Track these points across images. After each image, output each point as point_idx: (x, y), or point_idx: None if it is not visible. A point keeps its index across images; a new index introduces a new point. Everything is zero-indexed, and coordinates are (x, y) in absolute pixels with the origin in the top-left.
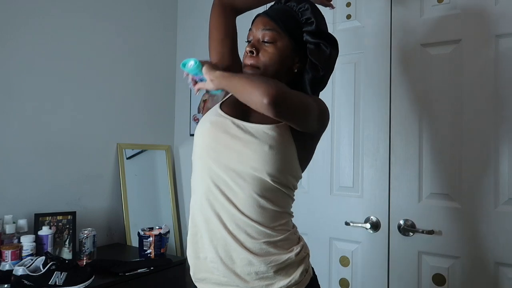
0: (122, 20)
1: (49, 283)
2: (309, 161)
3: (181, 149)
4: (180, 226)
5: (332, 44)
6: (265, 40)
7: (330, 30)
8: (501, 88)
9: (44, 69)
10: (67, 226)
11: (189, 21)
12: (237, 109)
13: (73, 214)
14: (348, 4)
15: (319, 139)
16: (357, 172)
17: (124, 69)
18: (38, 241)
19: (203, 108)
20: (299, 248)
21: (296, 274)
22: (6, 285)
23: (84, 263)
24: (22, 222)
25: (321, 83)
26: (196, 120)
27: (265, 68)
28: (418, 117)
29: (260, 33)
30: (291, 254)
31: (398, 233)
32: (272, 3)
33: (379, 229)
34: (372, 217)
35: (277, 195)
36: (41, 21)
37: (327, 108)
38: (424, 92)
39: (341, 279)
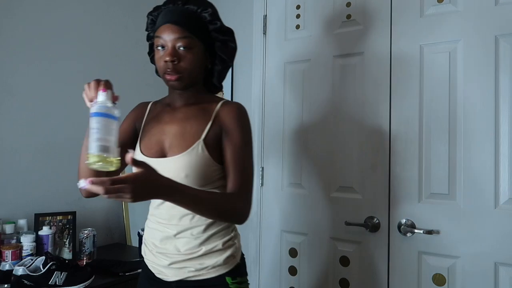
0: (123, 19)
1: (49, 283)
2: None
3: None
4: None
5: (234, 39)
6: (182, 47)
7: (330, 30)
8: (501, 88)
9: (44, 69)
10: (67, 226)
11: None
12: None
13: (73, 214)
14: (348, 4)
15: None
16: (357, 172)
17: (125, 69)
18: (38, 241)
19: None
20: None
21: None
22: (6, 285)
23: (84, 263)
24: (22, 222)
25: (227, 71)
26: None
27: (188, 73)
28: (418, 117)
29: (173, 42)
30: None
31: (398, 233)
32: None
33: (379, 229)
34: (372, 217)
35: None
36: (41, 21)
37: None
38: (424, 92)
39: (341, 279)
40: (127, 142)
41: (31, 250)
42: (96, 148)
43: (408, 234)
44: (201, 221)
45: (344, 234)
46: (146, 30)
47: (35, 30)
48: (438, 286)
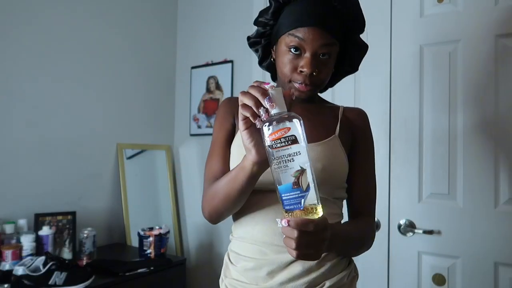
0: (122, 20)
1: (49, 283)
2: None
3: (181, 149)
4: (180, 226)
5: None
6: (323, 54)
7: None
8: (501, 88)
9: (44, 69)
10: (67, 226)
11: (189, 21)
12: None
13: (73, 214)
14: None
15: None
16: None
17: (124, 69)
18: (38, 241)
19: (203, 108)
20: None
21: None
22: (6, 285)
23: (84, 263)
24: (22, 222)
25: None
26: (196, 120)
27: (322, 85)
28: (418, 117)
29: (317, 48)
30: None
31: (398, 233)
32: None
33: (379, 229)
34: None
35: None
36: (40, 22)
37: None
38: (424, 92)
39: None
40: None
41: (31, 250)
42: (316, 194)
43: (408, 234)
44: None
45: None
46: (263, 14)
47: (36, 31)
48: (438, 286)
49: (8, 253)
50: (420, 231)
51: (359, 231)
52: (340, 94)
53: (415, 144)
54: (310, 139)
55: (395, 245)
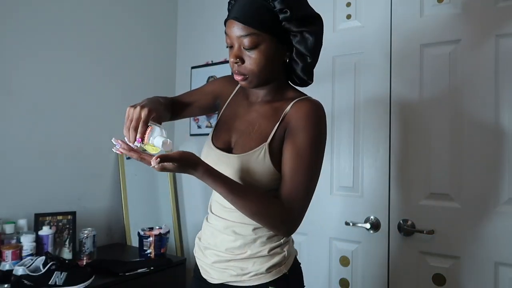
0: (122, 20)
1: (49, 283)
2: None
3: (181, 149)
4: (180, 226)
5: (315, 27)
6: (246, 47)
7: (330, 31)
8: (501, 88)
9: (44, 69)
10: (67, 226)
11: (189, 21)
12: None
13: (73, 214)
14: (348, 4)
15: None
16: (357, 172)
17: (124, 69)
18: (38, 241)
19: None
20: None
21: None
22: (6, 285)
23: (84, 263)
24: (22, 222)
25: (313, 68)
26: (196, 120)
27: (254, 75)
28: (418, 117)
29: (238, 40)
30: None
31: (398, 233)
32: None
33: (379, 229)
34: (372, 217)
35: None
36: (40, 21)
37: (324, 114)
38: (424, 92)
39: (341, 279)
40: (197, 105)
41: (31, 250)
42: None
43: (408, 234)
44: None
45: (344, 234)
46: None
47: (36, 31)
48: (438, 286)
49: (8, 253)
50: (420, 231)
51: (259, 197)
52: (340, 94)
53: (415, 144)
54: (240, 149)
55: (395, 245)
